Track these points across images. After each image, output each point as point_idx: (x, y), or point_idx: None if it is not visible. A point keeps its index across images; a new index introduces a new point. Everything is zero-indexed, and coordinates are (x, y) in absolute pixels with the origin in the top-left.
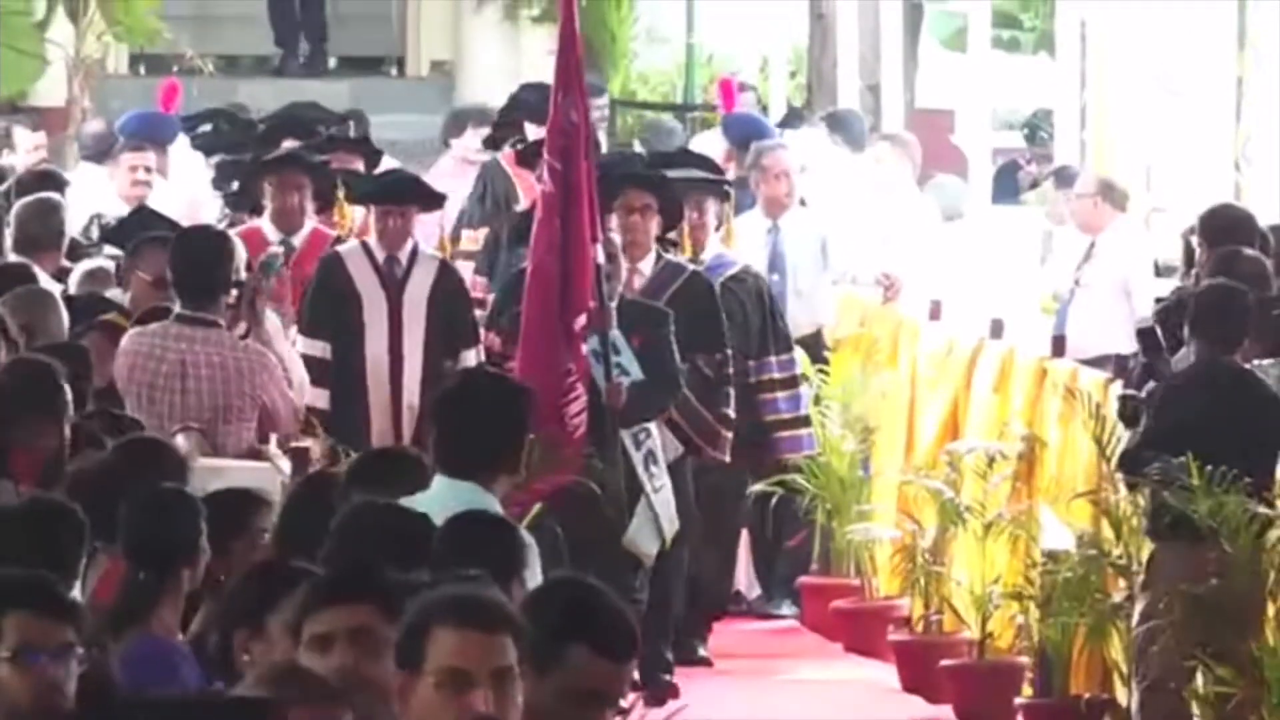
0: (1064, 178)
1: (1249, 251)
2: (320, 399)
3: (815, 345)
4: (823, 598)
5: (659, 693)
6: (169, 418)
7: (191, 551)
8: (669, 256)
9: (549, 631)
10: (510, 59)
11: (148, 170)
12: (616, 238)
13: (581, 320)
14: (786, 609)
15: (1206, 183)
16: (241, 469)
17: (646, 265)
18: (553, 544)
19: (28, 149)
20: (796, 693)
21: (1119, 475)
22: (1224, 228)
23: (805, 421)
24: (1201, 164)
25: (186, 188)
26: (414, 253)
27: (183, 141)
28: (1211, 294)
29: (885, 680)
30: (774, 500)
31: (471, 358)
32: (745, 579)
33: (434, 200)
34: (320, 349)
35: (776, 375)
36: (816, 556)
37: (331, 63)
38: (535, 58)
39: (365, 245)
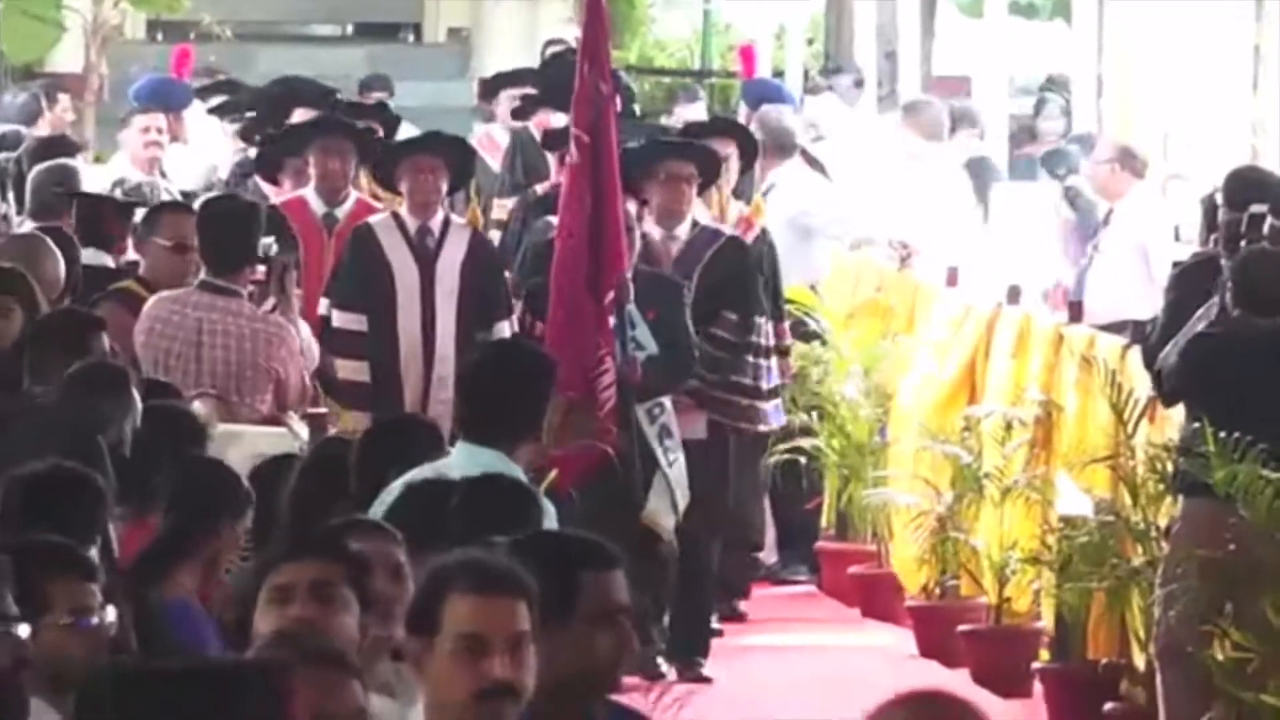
0: (1084, 145)
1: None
2: (360, 372)
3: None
4: (840, 563)
5: (690, 676)
6: (184, 383)
7: (228, 519)
8: (704, 222)
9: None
10: (528, 26)
11: (160, 132)
12: (631, 208)
13: (611, 294)
14: (803, 574)
15: (1223, 150)
16: (259, 434)
17: (683, 231)
18: (571, 512)
19: (57, 114)
20: (813, 658)
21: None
22: (1247, 189)
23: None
24: (1218, 131)
25: (205, 153)
26: (446, 223)
27: (198, 107)
28: (1253, 260)
29: (902, 645)
30: (788, 465)
31: (505, 329)
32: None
33: (465, 154)
34: (356, 321)
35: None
36: (834, 522)
37: (349, 29)
38: (552, 25)
39: (397, 216)
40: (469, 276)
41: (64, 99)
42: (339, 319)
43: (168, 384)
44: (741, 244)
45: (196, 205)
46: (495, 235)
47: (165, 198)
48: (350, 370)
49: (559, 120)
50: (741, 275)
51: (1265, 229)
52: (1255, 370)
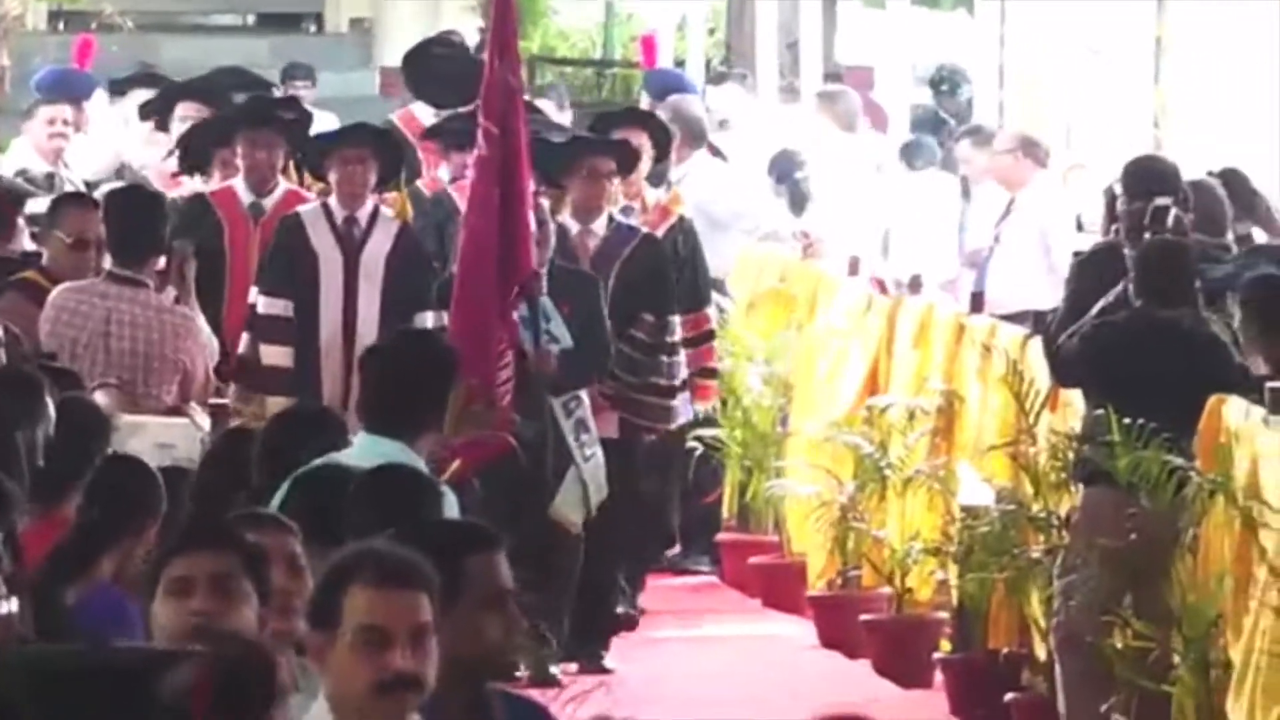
0: (981, 136)
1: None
2: (284, 357)
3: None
4: (741, 553)
5: (591, 669)
6: (91, 373)
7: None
8: (620, 219)
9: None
10: (429, 15)
11: (65, 123)
12: (545, 202)
13: (517, 288)
14: (705, 565)
15: (1126, 141)
16: (161, 424)
17: (600, 226)
18: (474, 504)
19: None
20: (715, 648)
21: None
22: (1149, 179)
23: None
24: (1121, 122)
25: (107, 143)
26: (374, 214)
27: (100, 97)
28: (1153, 249)
29: (804, 636)
30: (695, 455)
31: (429, 320)
32: None
33: (394, 146)
34: (282, 307)
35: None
36: (735, 513)
37: (250, 19)
38: (454, 14)
39: (326, 206)
40: (394, 268)
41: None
42: (264, 305)
43: (72, 372)
44: (656, 241)
45: (100, 194)
46: None
47: (69, 189)
48: (275, 355)
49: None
50: (658, 274)
51: (1170, 220)
52: (1156, 361)
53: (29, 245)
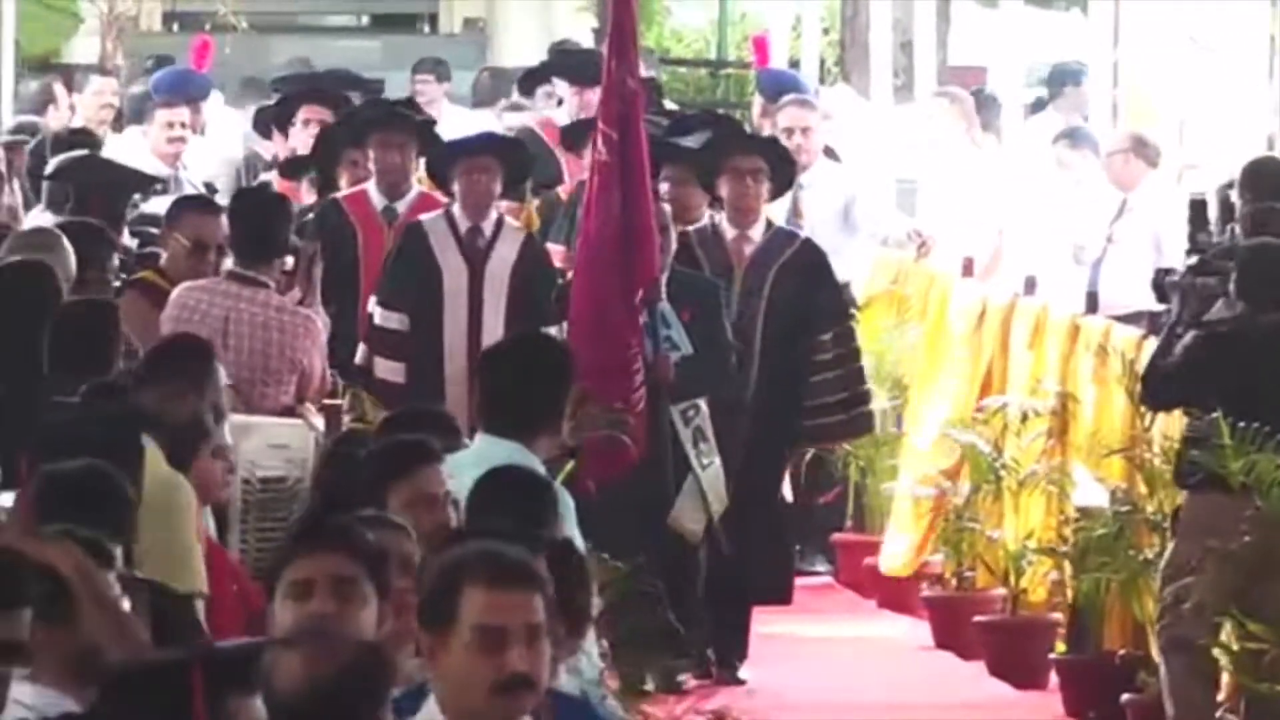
0: (1077, 137)
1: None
2: (395, 373)
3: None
4: (856, 554)
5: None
6: None
7: None
8: (780, 224)
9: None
10: (543, 17)
11: (183, 126)
12: (667, 207)
13: (640, 293)
14: (821, 565)
15: (1239, 139)
16: (273, 425)
17: (756, 232)
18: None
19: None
20: (830, 650)
21: (1142, 406)
22: (1267, 179)
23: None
24: (1234, 121)
25: (223, 145)
26: (499, 224)
27: (216, 98)
28: (1259, 252)
29: (919, 637)
30: (808, 456)
31: (554, 333)
32: None
33: (520, 155)
34: (398, 320)
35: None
36: (850, 513)
37: (364, 19)
38: (569, 14)
39: (449, 215)
40: (519, 280)
41: (99, 83)
42: (380, 316)
43: None
44: (817, 248)
45: (222, 198)
46: None
47: (189, 191)
48: (386, 370)
49: (560, 117)
50: (823, 281)
51: None
52: (1263, 366)
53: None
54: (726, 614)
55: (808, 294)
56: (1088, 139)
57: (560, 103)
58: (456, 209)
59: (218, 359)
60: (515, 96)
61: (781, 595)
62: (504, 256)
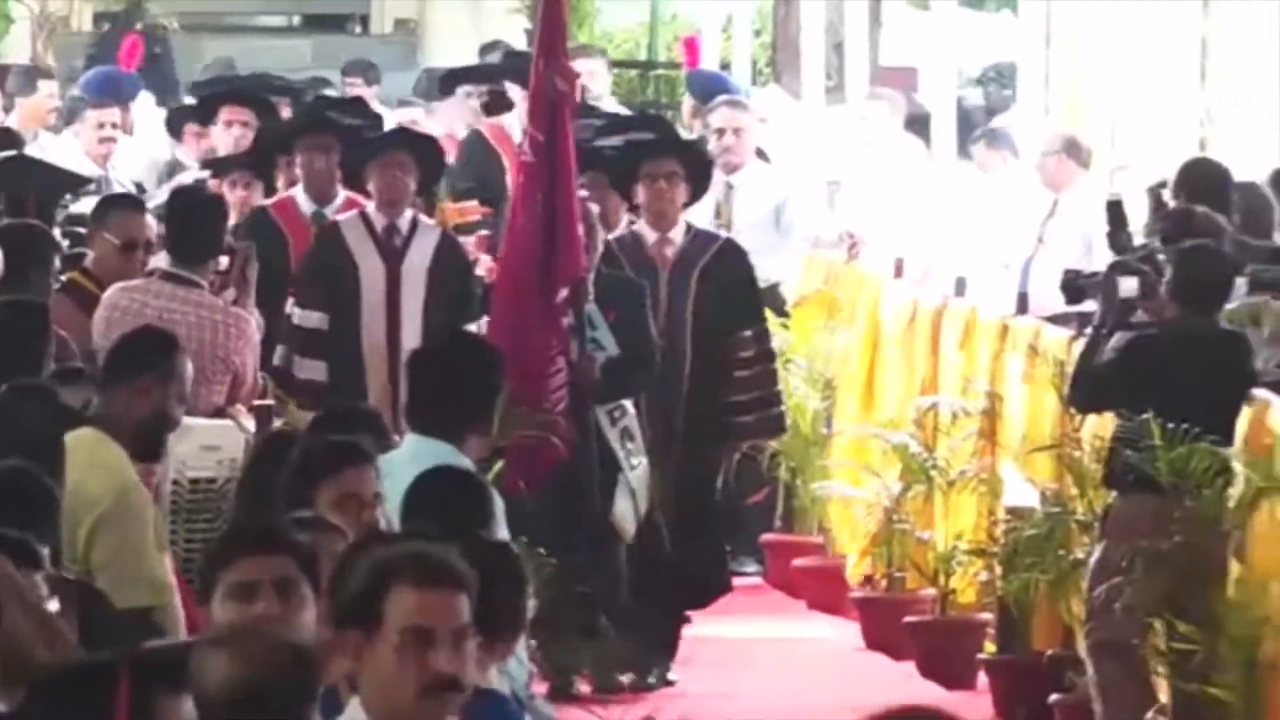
0: (994, 138)
1: (1202, 209)
2: (317, 371)
3: (770, 301)
4: (786, 555)
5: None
6: None
7: None
8: (699, 226)
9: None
10: (475, 16)
11: (114, 126)
12: (593, 207)
13: (564, 293)
14: (750, 566)
15: (1171, 141)
16: (207, 427)
17: (677, 235)
18: (521, 509)
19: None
20: (760, 650)
21: (1071, 408)
22: (1202, 180)
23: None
24: (1166, 123)
25: (151, 145)
26: (414, 222)
27: (145, 99)
28: (1193, 255)
29: (848, 638)
30: (737, 458)
31: (474, 330)
32: None
33: (434, 152)
34: (317, 320)
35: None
36: (780, 514)
37: (295, 20)
38: (499, 15)
39: (364, 215)
40: (437, 278)
41: (47, 85)
42: (299, 317)
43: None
44: (739, 249)
45: (152, 197)
46: None
47: (118, 190)
48: (309, 369)
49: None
50: (745, 282)
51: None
52: (1193, 368)
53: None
54: (659, 614)
55: (730, 293)
56: (1005, 140)
57: (487, 103)
58: (372, 208)
59: (185, 354)
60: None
61: (722, 587)
62: (421, 254)
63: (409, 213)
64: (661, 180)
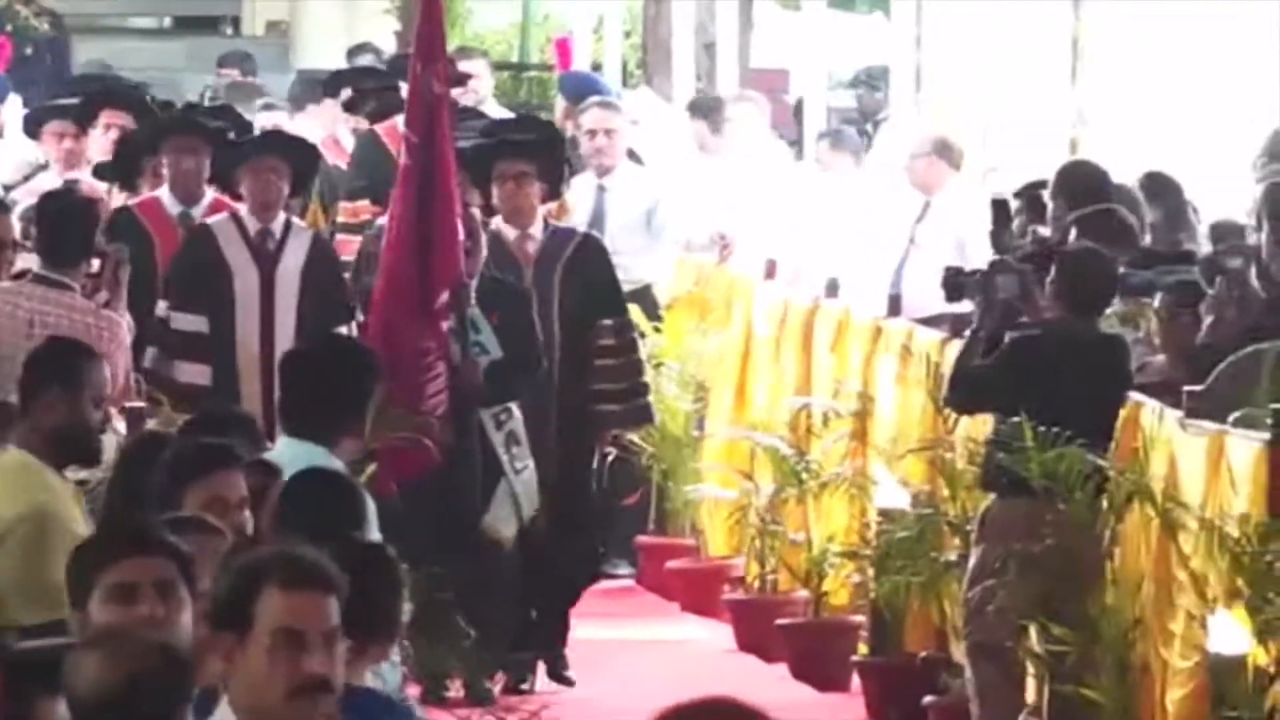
0: (839, 139)
1: (1118, 208)
2: (201, 375)
3: (643, 302)
4: (659, 557)
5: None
6: (14, 376)
7: None
8: (556, 222)
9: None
10: (347, 18)
11: None
12: (476, 212)
13: (444, 297)
14: (623, 569)
15: (1042, 143)
16: None
17: (536, 231)
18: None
19: None
20: (633, 652)
21: (947, 409)
22: (1080, 181)
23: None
24: (1038, 124)
25: (20, 147)
26: (287, 225)
27: (14, 101)
28: (1080, 257)
29: (721, 640)
30: (610, 459)
31: (346, 333)
32: None
33: (308, 155)
34: (198, 323)
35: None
36: (653, 516)
37: (167, 22)
38: (371, 17)
39: (236, 217)
40: (310, 280)
41: None
42: (179, 321)
43: None
44: (598, 241)
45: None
46: (342, 239)
47: None
48: (191, 373)
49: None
50: (606, 275)
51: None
52: (1074, 371)
53: None
54: (546, 614)
55: (593, 287)
56: (850, 141)
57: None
58: (244, 211)
59: (96, 359)
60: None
61: (593, 576)
62: (294, 257)
63: (282, 216)
64: (511, 181)
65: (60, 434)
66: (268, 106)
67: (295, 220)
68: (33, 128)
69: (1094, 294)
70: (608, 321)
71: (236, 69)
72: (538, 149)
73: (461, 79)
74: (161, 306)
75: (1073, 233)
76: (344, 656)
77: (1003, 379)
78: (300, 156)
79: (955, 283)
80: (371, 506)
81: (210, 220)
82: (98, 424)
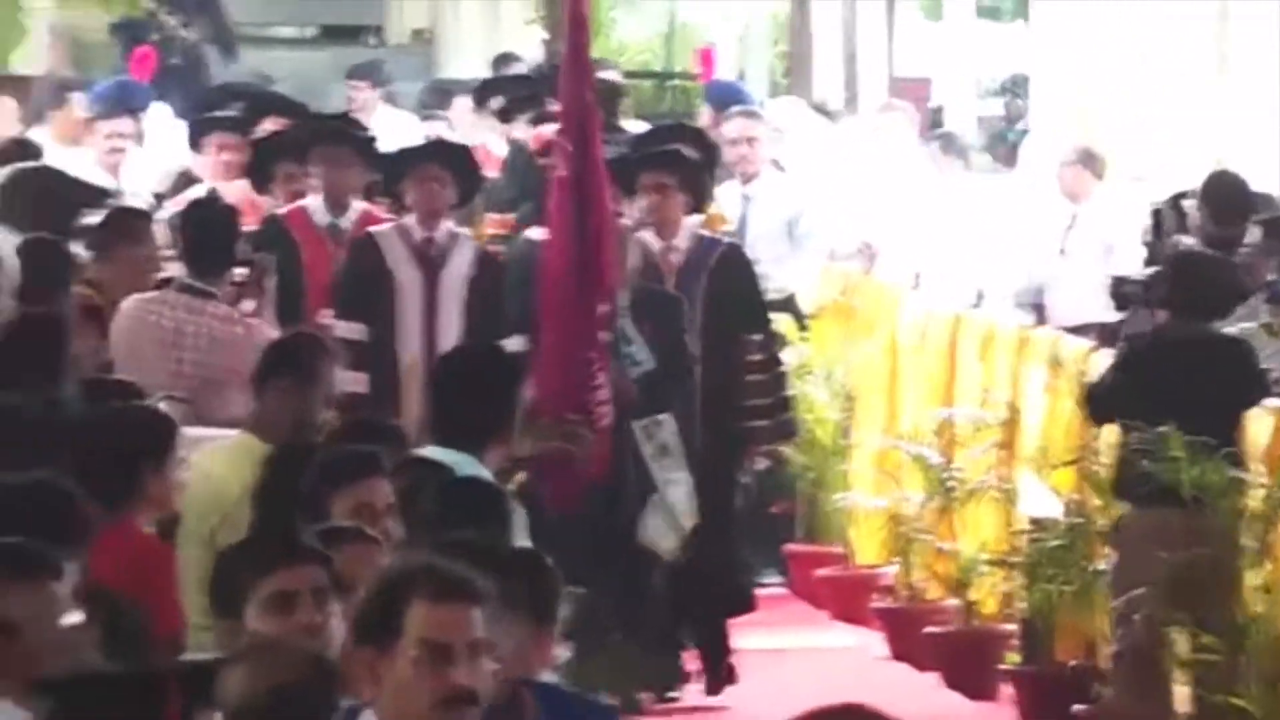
0: (949, 143)
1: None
2: (359, 384)
3: (789, 312)
4: (809, 565)
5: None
6: (159, 385)
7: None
8: (704, 231)
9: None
10: (490, 27)
11: (122, 137)
12: (627, 222)
13: (604, 307)
14: (773, 577)
15: (1186, 152)
16: (224, 437)
17: (682, 241)
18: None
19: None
20: (783, 661)
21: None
22: (1225, 190)
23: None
24: (1180, 132)
25: (163, 155)
26: (452, 234)
27: (157, 109)
28: (1185, 262)
29: (872, 648)
30: (761, 467)
31: (517, 345)
32: None
33: (472, 165)
34: (358, 332)
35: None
36: (802, 524)
37: (311, 31)
38: (514, 26)
39: (402, 226)
40: (476, 292)
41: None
42: (339, 329)
43: (130, 384)
44: (742, 253)
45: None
46: (491, 250)
47: (129, 202)
48: (349, 382)
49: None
50: (749, 285)
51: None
52: (1193, 376)
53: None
54: (705, 628)
55: (737, 298)
56: (957, 147)
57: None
58: (410, 219)
59: (333, 357)
60: (463, 105)
61: (746, 604)
62: (459, 266)
63: (446, 224)
64: (653, 192)
65: (286, 423)
66: (429, 116)
67: (462, 231)
68: (194, 138)
69: (1206, 298)
70: (756, 336)
71: (365, 80)
72: (680, 161)
73: (616, 90)
74: (328, 316)
75: (1257, 234)
76: (490, 667)
77: (1119, 385)
78: (464, 166)
79: (1121, 291)
80: (520, 515)
81: (375, 230)
82: (321, 421)
